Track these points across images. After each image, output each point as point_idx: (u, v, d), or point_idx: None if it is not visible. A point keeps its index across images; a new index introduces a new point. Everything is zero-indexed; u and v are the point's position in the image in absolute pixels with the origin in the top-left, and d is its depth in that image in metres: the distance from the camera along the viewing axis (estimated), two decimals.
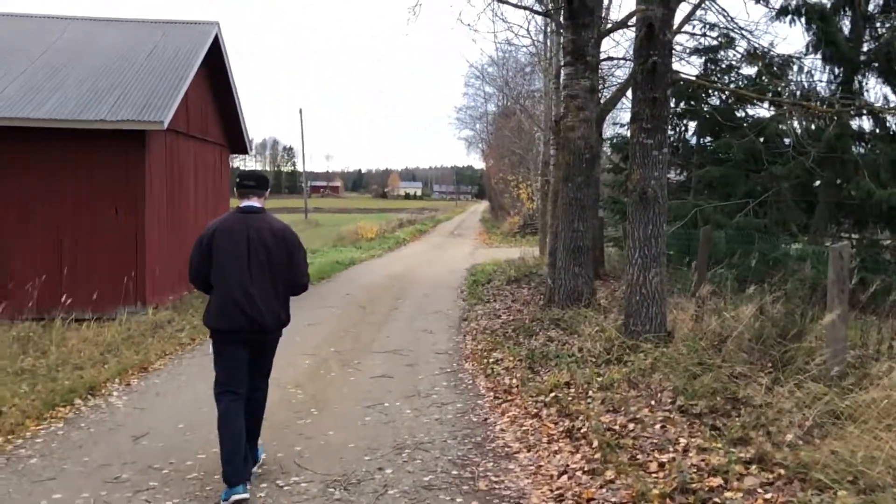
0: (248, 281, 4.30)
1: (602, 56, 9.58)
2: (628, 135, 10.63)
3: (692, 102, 14.13)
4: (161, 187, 11.76)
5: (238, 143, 17.24)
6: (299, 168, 59.59)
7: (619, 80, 15.86)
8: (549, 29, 18.37)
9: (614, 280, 13.35)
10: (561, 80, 9.47)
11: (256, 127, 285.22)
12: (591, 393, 5.81)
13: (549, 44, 18.27)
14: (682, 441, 4.66)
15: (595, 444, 4.68)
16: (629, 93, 9.21)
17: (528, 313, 10.00)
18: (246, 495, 3.98)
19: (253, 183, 4.60)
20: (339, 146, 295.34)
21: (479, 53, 74.57)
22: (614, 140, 14.16)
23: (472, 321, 10.07)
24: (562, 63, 9.32)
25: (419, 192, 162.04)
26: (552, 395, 5.90)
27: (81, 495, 3.98)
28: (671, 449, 4.55)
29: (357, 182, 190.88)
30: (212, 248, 4.43)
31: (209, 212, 15.15)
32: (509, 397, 6.16)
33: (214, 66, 14.93)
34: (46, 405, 5.62)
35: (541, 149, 36.27)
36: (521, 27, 21.30)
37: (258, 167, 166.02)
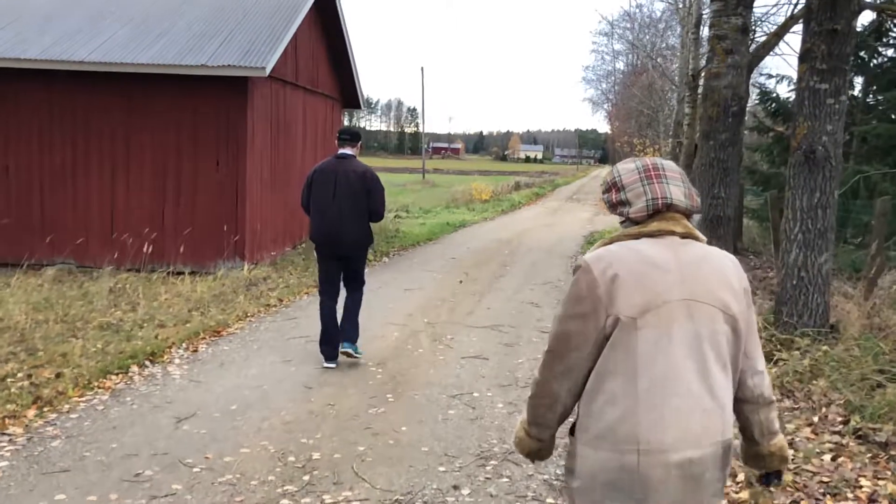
0: (335, 208, 5.64)
1: None
2: (777, 88, 8.87)
3: (861, 54, 12.05)
4: (265, 139, 11.28)
5: (351, 97, 16.67)
6: (422, 129, 59.23)
7: (773, 27, 13.86)
8: None
9: (754, 256, 11.73)
10: (707, 19, 7.98)
11: (381, 88, 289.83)
12: None
13: None
14: (865, 484, 3.45)
15: (739, 477, 3.55)
16: (793, 33, 7.69)
17: None
18: (333, 365, 5.62)
19: (348, 136, 5.94)
20: (462, 108, 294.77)
21: (610, 3, 70.77)
22: (763, 92, 12.28)
23: None
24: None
25: (539, 156, 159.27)
26: None
27: (87, 498, 3.32)
28: (849, 495, 3.35)
29: (478, 144, 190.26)
30: (312, 183, 5.81)
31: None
32: None
33: (327, 15, 14.30)
34: (101, 371, 5.11)
35: (674, 107, 33.85)
36: None
37: (382, 128, 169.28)
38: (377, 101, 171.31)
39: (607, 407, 1.78)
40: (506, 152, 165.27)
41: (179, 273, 9.94)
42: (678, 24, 20.07)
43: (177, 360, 5.62)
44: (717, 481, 1.83)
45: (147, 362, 5.49)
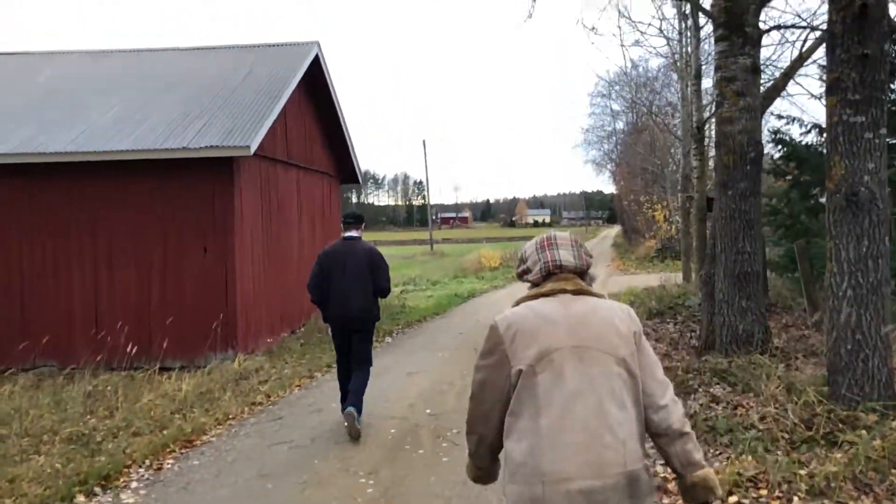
0: (344, 287, 6.07)
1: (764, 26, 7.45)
2: (794, 131, 8.34)
3: None
4: (255, 220, 10.74)
5: (349, 173, 16.29)
6: (430, 201, 59.23)
7: (777, 70, 13.35)
8: (684, 25, 16.16)
9: (784, 312, 10.88)
10: (711, 62, 7.45)
11: (387, 163, 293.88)
12: (795, 500, 3.78)
13: (685, 40, 16.04)
14: None
15: None
16: (802, 76, 7.08)
17: (679, 359, 7.92)
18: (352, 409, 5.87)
19: (352, 220, 6.40)
20: (468, 178, 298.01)
21: (605, 62, 71.80)
22: (776, 134, 11.62)
23: None
24: (713, 37, 7.30)
25: (547, 219, 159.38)
26: (733, 502, 3.92)
27: None
28: None
29: (485, 212, 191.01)
30: (321, 266, 6.21)
31: (319, 243, 14.13)
32: (664, 500, 4.23)
33: (319, 92, 14.02)
34: (44, 501, 4.33)
35: (679, 162, 33.47)
36: (650, 24, 18.93)
37: (391, 202, 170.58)
38: (384, 177, 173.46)
39: (518, 444, 2.08)
40: (513, 218, 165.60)
41: (168, 369, 9.22)
42: (676, 77, 19.75)
43: (134, 484, 4.81)
44: None
45: (97, 489, 4.69)
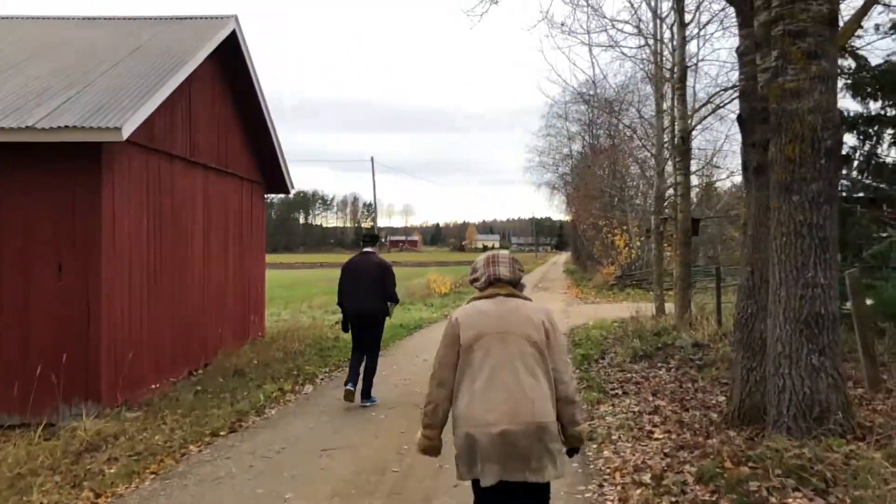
0: (360, 292, 7.76)
1: None
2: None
3: None
4: (136, 231, 8.19)
5: (277, 181, 13.77)
6: (380, 223, 56.95)
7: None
8: (660, 25, 14.23)
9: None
10: (772, 12, 5.35)
11: (337, 184, 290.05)
12: None
13: (660, 33, 14.06)
14: None
15: None
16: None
17: (701, 431, 5.69)
18: (352, 387, 7.55)
19: (369, 239, 8.33)
20: (417, 202, 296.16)
21: (567, 73, 70.15)
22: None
23: (604, 445, 5.81)
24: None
25: (497, 244, 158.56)
26: None
27: None
28: None
29: (435, 236, 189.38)
30: (343, 274, 8.00)
31: (233, 263, 11.60)
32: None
33: (238, 81, 11.58)
34: None
35: (637, 185, 31.82)
36: (627, 22, 16.77)
37: (339, 224, 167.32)
38: (332, 198, 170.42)
39: (460, 402, 3.04)
40: (463, 242, 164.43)
41: (8, 427, 6.66)
42: (650, 86, 17.92)
43: None
44: (538, 450, 2.93)
45: None
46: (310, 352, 11.34)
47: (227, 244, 11.49)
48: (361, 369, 7.80)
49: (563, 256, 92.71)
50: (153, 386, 8.48)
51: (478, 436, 2.92)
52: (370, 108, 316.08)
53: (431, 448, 3.19)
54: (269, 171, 13.44)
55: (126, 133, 7.19)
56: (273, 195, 15.13)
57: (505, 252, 3.38)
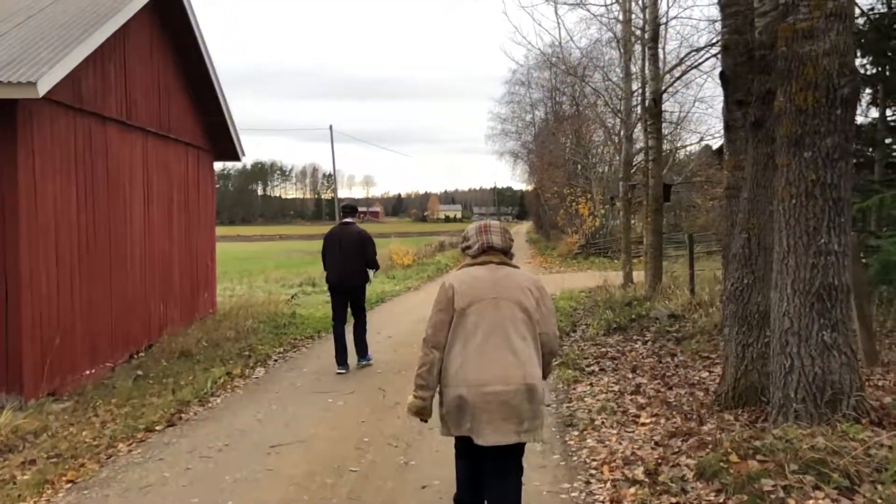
0: (341, 260, 8.03)
1: None
2: None
3: None
4: (63, 200, 7.31)
5: (226, 148, 12.83)
6: (341, 194, 55.67)
7: None
8: None
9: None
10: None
11: (296, 155, 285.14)
12: None
13: None
14: None
15: None
16: None
17: (694, 415, 5.17)
18: (344, 370, 7.84)
19: (349, 210, 8.54)
20: (379, 173, 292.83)
21: (534, 36, 68.93)
22: None
23: (587, 432, 5.25)
24: None
25: (459, 215, 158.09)
26: None
27: None
28: None
29: (397, 207, 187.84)
30: (325, 243, 8.26)
31: (179, 235, 10.77)
32: None
33: (181, 39, 10.62)
34: None
35: (601, 152, 31.30)
36: None
37: (298, 195, 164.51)
38: (291, 168, 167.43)
39: (453, 362, 3.19)
40: (425, 213, 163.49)
41: None
42: (616, 50, 17.31)
43: None
44: (527, 410, 3.14)
45: None
46: (264, 329, 10.59)
47: (172, 215, 10.62)
48: (350, 340, 8.11)
49: (525, 226, 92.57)
50: (87, 372, 7.69)
51: (470, 396, 3.11)
52: (329, 75, 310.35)
53: (424, 409, 3.30)
54: (218, 137, 12.51)
55: (43, 89, 6.30)
56: (230, 165, 14.24)
57: (496, 222, 3.52)
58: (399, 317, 12.28)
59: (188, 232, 11.26)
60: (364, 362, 8.12)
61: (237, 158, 13.29)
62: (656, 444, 4.67)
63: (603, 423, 5.41)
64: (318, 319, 11.69)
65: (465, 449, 3.30)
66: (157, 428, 5.72)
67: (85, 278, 7.72)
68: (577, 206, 30.50)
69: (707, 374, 6.99)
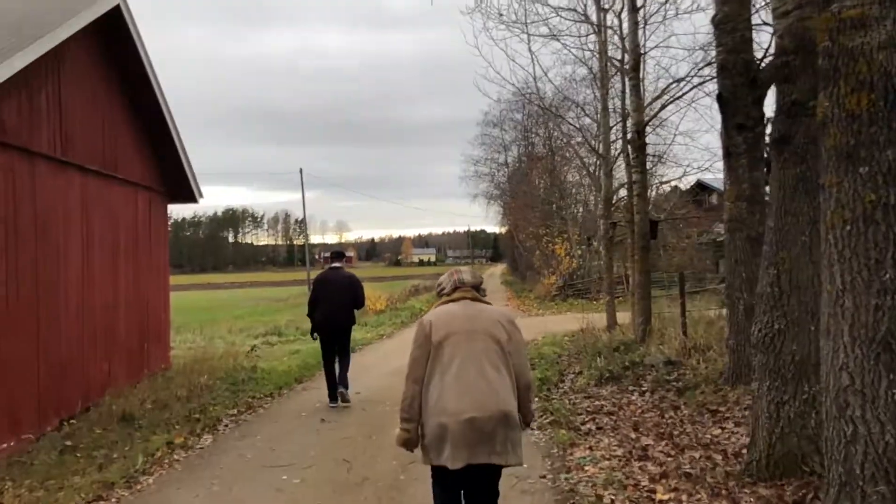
0: (330, 302, 8.46)
1: None
2: None
3: None
4: None
5: (182, 188, 11.90)
6: (313, 240, 54.61)
7: None
8: (603, 17, 13.08)
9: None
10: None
11: (267, 201, 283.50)
12: None
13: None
14: None
15: None
16: None
17: (721, 484, 4.26)
18: (336, 403, 8.38)
19: (337, 255, 9.21)
20: (352, 218, 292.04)
21: (510, 65, 69.85)
22: None
23: None
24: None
25: (433, 258, 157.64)
26: None
27: None
28: None
29: (370, 251, 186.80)
30: (315, 289, 8.69)
31: (125, 285, 9.75)
32: None
33: (130, 75, 9.78)
34: None
35: (574, 192, 30.87)
36: (570, 9, 14.91)
37: (270, 241, 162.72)
38: (262, 215, 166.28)
39: (430, 394, 3.32)
40: (399, 257, 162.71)
41: None
42: (592, 87, 16.80)
43: None
44: (501, 435, 3.24)
45: None
46: (220, 387, 9.52)
47: (118, 262, 9.61)
48: (338, 373, 8.50)
49: (500, 268, 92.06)
50: (3, 446, 6.58)
51: (449, 424, 3.22)
52: (304, 121, 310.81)
53: (410, 441, 3.42)
54: (173, 177, 11.59)
55: None
56: (200, 212, 13.40)
57: (465, 267, 3.90)
58: (370, 369, 11.26)
59: (136, 280, 10.24)
60: (342, 389, 8.43)
61: (194, 200, 12.34)
62: None
63: (612, 501, 4.47)
64: (280, 374, 10.65)
65: (443, 477, 3.38)
66: None
67: (3, 336, 6.67)
68: (553, 247, 29.84)
69: (719, 430, 6.12)
